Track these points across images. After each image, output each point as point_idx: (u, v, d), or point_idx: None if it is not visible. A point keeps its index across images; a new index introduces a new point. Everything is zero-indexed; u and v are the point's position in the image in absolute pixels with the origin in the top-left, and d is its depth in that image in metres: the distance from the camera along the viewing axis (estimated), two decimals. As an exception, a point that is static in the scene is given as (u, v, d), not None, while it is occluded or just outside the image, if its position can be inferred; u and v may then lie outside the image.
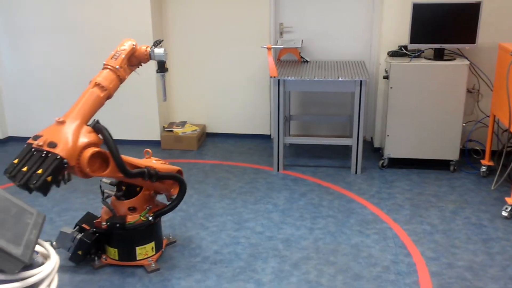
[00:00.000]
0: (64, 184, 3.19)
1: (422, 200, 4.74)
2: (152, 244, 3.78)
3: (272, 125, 6.38)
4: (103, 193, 3.72)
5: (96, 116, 3.40)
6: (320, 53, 6.15)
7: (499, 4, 5.32)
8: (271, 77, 5.11)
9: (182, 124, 6.37)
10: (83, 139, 3.20)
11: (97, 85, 3.42)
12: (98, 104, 3.41)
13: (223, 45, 6.21)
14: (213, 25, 6.15)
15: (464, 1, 5.04)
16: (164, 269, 3.72)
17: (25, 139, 6.37)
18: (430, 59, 5.22)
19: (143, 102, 6.14)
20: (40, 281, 2.16)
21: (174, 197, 3.86)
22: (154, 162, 3.68)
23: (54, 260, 2.29)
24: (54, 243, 3.75)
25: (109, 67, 3.50)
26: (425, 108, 5.17)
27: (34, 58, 6.20)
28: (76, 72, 6.14)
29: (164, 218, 4.40)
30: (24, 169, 3.03)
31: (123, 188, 3.75)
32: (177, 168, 3.80)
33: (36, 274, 2.15)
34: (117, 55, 3.55)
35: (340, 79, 5.03)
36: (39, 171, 2.99)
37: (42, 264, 2.23)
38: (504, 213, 4.41)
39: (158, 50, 3.69)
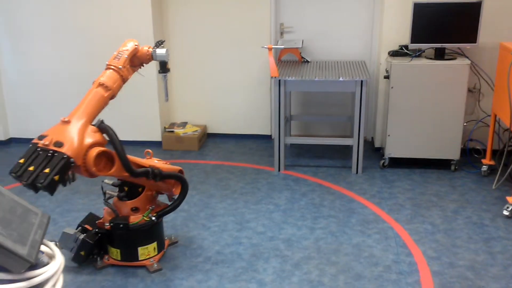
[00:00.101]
0: (69, 184, 3.20)
1: (423, 200, 4.75)
2: (154, 244, 3.79)
3: (273, 125, 6.39)
4: (105, 194, 3.73)
5: (97, 117, 3.42)
6: (321, 53, 6.16)
7: (500, 3, 5.33)
8: (272, 77, 5.12)
9: (183, 124, 6.38)
10: (89, 139, 3.21)
11: (101, 85, 3.43)
12: (103, 104, 3.43)
13: (224, 46, 6.22)
14: (214, 25, 6.15)
15: (465, 1, 5.04)
16: (166, 269, 3.73)
17: (27, 140, 6.43)
18: (431, 58, 5.22)
19: (144, 102, 6.15)
20: (46, 281, 2.17)
21: (175, 197, 3.87)
22: (156, 162, 3.70)
23: (59, 260, 2.30)
24: (57, 243, 3.75)
25: (112, 67, 3.52)
26: (426, 107, 5.18)
27: (35, 60, 6.21)
28: (78, 73, 6.15)
29: (166, 219, 4.41)
30: (31, 168, 3.05)
31: (126, 189, 3.76)
32: (178, 168, 3.81)
33: (41, 274, 2.16)
34: (120, 55, 3.57)
35: (340, 79, 5.04)
36: (46, 170, 3.00)
37: (47, 264, 2.24)
38: (506, 212, 4.41)
39: (160, 51, 3.70)
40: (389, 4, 5.52)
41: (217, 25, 6.15)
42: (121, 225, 3.61)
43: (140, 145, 6.19)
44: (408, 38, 5.29)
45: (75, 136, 3.16)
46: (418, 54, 5.31)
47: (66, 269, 3.72)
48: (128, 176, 3.41)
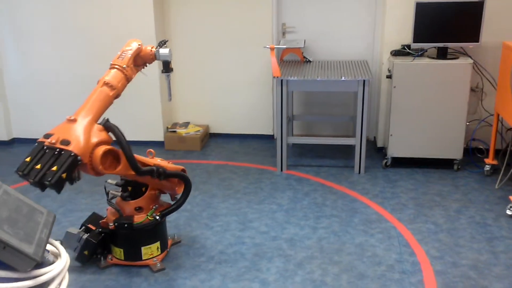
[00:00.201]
0: (75, 182, 3.22)
1: (426, 199, 4.75)
2: (158, 244, 3.79)
3: (275, 125, 6.39)
4: (108, 194, 3.74)
5: (102, 116, 3.43)
6: (323, 53, 6.16)
7: (503, 3, 5.33)
8: (274, 77, 5.12)
9: (186, 124, 6.39)
10: (95, 137, 3.23)
11: (106, 84, 3.44)
12: (108, 103, 3.44)
13: (226, 46, 6.22)
14: (216, 25, 6.16)
15: (467, 0, 5.04)
16: (169, 269, 3.73)
17: (29, 140, 6.44)
18: (433, 58, 5.22)
19: (147, 103, 6.16)
20: (51, 280, 2.18)
21: (178, 196, 3.88)
22: (160, 161, 3.71)
23: (64, 258, 2.31)
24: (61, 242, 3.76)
25: (116, 66, 3.53)
26: (428, 107, 5.18)
27: (38, 60, 6.22)
28: (80, 73, 6.16)
29: (169, 218, 4.41)
30: (37, 166, 3.06)
31: (129, 188, 3.77)
32: (181, 167, 3.82)
33: (47, 273, 2.16)
34: (124, 54, 3.58)
35: (343, 78, 5.04)
36: (54, 168, 3.02)
37: (53, 262, 2.25)
38: (509, 212, 4.41)
39: (163, 50, 3.71)
40: (391, 3, 5.52)
41: (219, 25, 6.16)
42: (126, 225, 3.62)
43: (143, 145, 6.19)
44: (411, 38, 5.29)
45: (82, 135, 3.18)
46: (420, 53, 5.31)
47: (70, 269, 3.72)
48: (133, 174, 3.42)
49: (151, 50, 3.71)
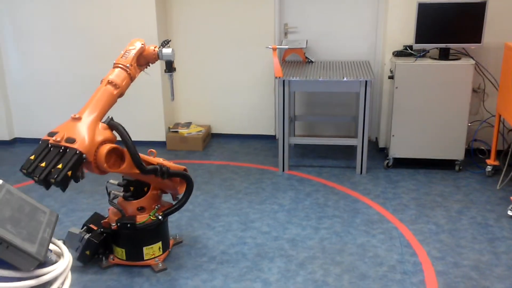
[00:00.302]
0: (80, 180, 3.22)
1: (428, 200, 4.75)
2: (159, 244, 3.80)
3: (277, 126, 6.40)
4: (109, 194, 3.74)
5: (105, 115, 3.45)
6: (325, 53, 6.16)
7: (505, 3, 5.33)
8: (276, 77, 5.12)
9: (187, 125, 6.39)
10: (100, 135, 3.24)
11: (110, 82, 3.45)
12: (112, 102, 3.46)
13: (228, 46, 6.23)
14: (218, 25, 6.17)
15: (469, 1, 5.04)
16: (171, 269, 3.74)
17: (31, 140, 6.45)
18: (435, 58, 5.23)
19: (148, 103, 6.17)
20: (54, 279, 2.18)
21: (180, 196, 3.89)
22: (162, 161, 3.71)
23: (67, 258, 2.31)
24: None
25: (120, 65, 3.54)
26: (430, 108, 5.18)
27: (39, 60, 6.23)
28: (81, 73, 6.16)
29: (170, 219, 4.42)
30: (42, 164, 3.07)
31: (131, 188, 3.77)
32: (182, 167, 3.82)
33: (50, 272, 2.16)
34: (127, 54, 3.59)
35: (345, 79, 5.04)
36: (59, 166, 3.03)
37: (56, 262, 2.25)
38: (510, 213, 4.41)
39: (166, 50, 3.73)
40: (393, 4, 5.53)
41: (221, 25, 6.16)
42: (128, 225, 3.62)
43: (145, 145, 6.19)
44: (413, 38, 5.29)
45: (87, 133, 3.19)
46: (422, 54, 5.31)
47: (72, 269, 3.72)
48: (137, 173, 3.43)
49: (154, 50, 3.72)
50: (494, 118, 5.31)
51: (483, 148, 5.71)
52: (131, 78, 3.58)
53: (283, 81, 5.16)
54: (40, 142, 3.21)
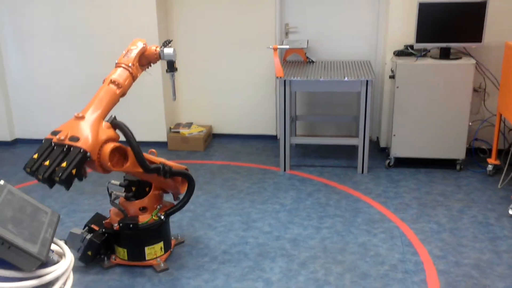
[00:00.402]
0: (84, 178, 3.23)
1: (429, 199, 4.75)
2: (161, 244, 3.80)
3: (278, 126, 6.40)
4: (110, 195, 3.74)
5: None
6: (326, 53, 6.17)
7: (506, 3, 5.33)
8: (277, 77, 5.13)
9: (189, 125, 6.40)
10: (103, 134, 3.25)
11: (112, 82, 3.45)
12: (114, 101, 3.46)
13: (229, 46, 6.23)
14: (219, 26, 6.17)
15: (470, 0, 5.04)
16: (173, 269, 3.74)
17: (32, 140, 6.46)
18: (436, 58, 5.23)
19: (150, 103, 6.17)
20: (56, 279, 2.19)
21: (181, 196, 3.90)
22: (164, 160, 3.72)
23: (69, 258, 2.32)
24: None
25: (122, 65, 3.54)
26: (431, 107, 5.18)
27: (40, 61, 6.24)
28: (83, 74, 6.17)
29: (172, 219, 4.43)
30: (46, 163, 3.07)
31: (133, 189, 3.78)
32: (184, 166, 3.83)
33: (52, 272, 2.18)
34: (129, 53, 3.60)
35: (346, 79, 5.05)
36: (63, 164, 3.03)
37: (58, 262, 2.26)
38: (511, 212, 4.42)
39: (168, 50, 3.73)
40: (394, 4, 5.53)
41: (222, 25, 6.17)
42: (131, 225, 3.63)
43: (146, 146, 6.19)
44: (413, 38, 5.29)
45: (90, 131, 3.19)
46: (423, 54, 5.31)
47: (73, 269, 3.73)
48: (140, 172, 3.43)
49: (155, 50, 3.73)
50: (495, 118, 5.31)
51: (484, 147, 5.71)
52: (133, 78, 3.59)
53: (284, 81, 5.16)
54: (43, 141, 3.22)
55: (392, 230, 4.22)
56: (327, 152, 6.03)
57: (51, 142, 3.18)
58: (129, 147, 3.35)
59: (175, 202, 3.90)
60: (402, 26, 5.57)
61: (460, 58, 5.19)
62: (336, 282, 3.54)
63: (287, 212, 4.57)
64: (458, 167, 5.35)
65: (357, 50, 6.11)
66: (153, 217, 3.68)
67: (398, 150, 5.38)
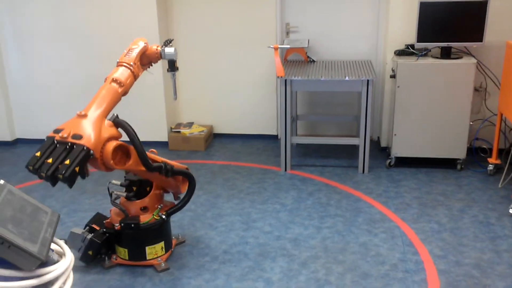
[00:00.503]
0: (86, 176, 3.23)
1: (430, 199, 4.75)
2: (162, 244, 3.80)
3: (279, 125, 6.40)
4: (111, 195, 3.74)
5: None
6: (327, 53, 6.17)
7: (506, 2, 5.32)
8: (278, 77, 5.13)
9: (189, 125, 6.40)
10: (106, 132, 3.25)
11: (114, 80, 3.45)
12: (116, 99, 3.46)
13: (230, 46, 6.23)
14: (219, 25, 6.17)
15: None
16: (173, 269, 3.75)
17: (33, 140, 6.46)
18: (437, 57, 5.22)
19: (150, 103, 6.17)
20: (56, 278, 2.19)
21: (181, 195, 3.90)
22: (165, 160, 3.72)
23: (69, 257, 2.32)
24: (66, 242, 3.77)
25: (124, 64, 3.54)
26: (432, 107, 5.18)
27: (40, 61, 6.24)
28: (83, 74, 6.17)
29: (173, 218, 4.42)
30: (49, 161, 3.07)
31: (134, 188, 3.78)
32: (184, 166, 3.83)
33: (52, 271, 2.18)
34: (130, 52, 3.60)
35: (347, 78, 5.04)
36: (67, 162, 3.03)
37: (58, 261, 2.26)
38: (511, 211, 4.43)
39: (169, 49, 3.74)
40: (395, 3, 5.53)
41: (222, 24, 6.17)
42: (132, 225, 3.63)
43: (147, 146, 6.15)
44: (414, 37, 5.29)
45: (93, 129, 3.20)
46: (424, 53, 5.30)
47: (74, 269, 3.72)
48: (142, 170, 3.44)
49: (156, 49, 3.73)
50: (496, 117, 5.31)
51: (484, 147, 5.71)
52: (135, 77, 3.59)
53: (285, 80, 5.16)
54: (46, 138, 3.21)
55: (393, 229, 4.22)
56: (328, 151, 6.03)
57: (54, 140, 3.18)
58: (131, 145, 3.35)
59: (176, 202, 3.90)
60: (403, 25, 5.57)
61: (461, 57, 5.19)
62: (337, 282, 3.54)
63: (288, 212, 4.57)
64: (458, 166, 5.35)
65: (358, 50, 6.11)
66: (155, 216, 3.68)
67: (399, 149, 5.38)
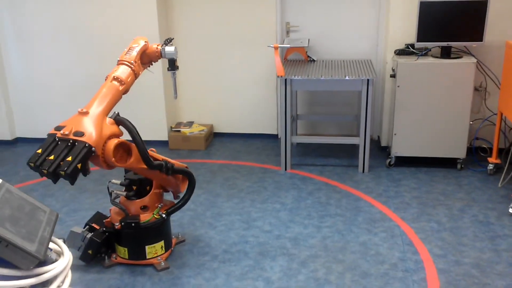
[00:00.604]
0: (88, 174, 3.23)
1: (430, 198, 4.75)
2: (162, 243, 3.80)
3: (279, 125, 6.40)
4: (111, 194, 3.74)
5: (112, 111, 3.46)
6: (327, 52, 6.16)
7: (507, 2, 5.32)
8: (278, 76, 5.13)
9: (190, 124, 6.40)
10: (107, 130, 3.26)
11: (115, 79, 3.46)
12: (117, 97, 3.47)
13: (230, 45, 6.23)
14: (220, 24, 6.17)
15: (470, -1, 5.05)
16: (173, 268, 3.75)
17: (33, 140, 6.46)
18: (437, 57, 5.22)
19: (150, 102, 6.17)
20: (54, 277, 2.19)
21: (181, 194, 3.90)
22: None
23: (67, 256, 2.32)
24: (65, 241, 3.77)
25: (125, 62, 3.55)
26: (432, 106, 5.18)
27: (40, 60, 6.24)
28: (83, 74, 6.17)
29: (173, 217, 4.43)
30: (51, 157, 3.08)
31: (134, 188, 3.78)
32: (184, 165, 3.83)
33: (50, 270, 2.18)
34: (131, 51, 3.61)
35: (347, 78, 5.04)
36: (69, 158, 3.03)
37: (56, 260, 2.26)
38: (511, 210, 4.41)
39: (169, 48, 3.74)
40: (395, 3, 5.52)
41: (223, 24, 6.16)
42: (133, 224, 3.63)
43: (147, 145, 6.16)
44: (414, 37, 5.28)
45: (95, 127, 3.20)
46: (424, 52, 5.30)
47: (74, 268, 3.74)
48: (143, 168, 3.44)
49: (157, 48, 3.74)
50: (496, 117, 5.30)
51: (484, 146, 5.70)
52: (136, 75, 3.60)
53: (285, 80, 5.16)
54: (47, 135, 3.22)
55: (393, 229, 4.22)
56: (328, 151, 6.03)
57: (55, 137, 3.18)
58: (132, 143, 3.36)
59: (176, 201, 3.90)
60: (403, 25, 5.57)
61: (461, 57, 5.19)
62: (337, 281, 3.54)
63: (288, 211, 4.57)
64: (458, 166, 5.35)
65: (358, 49, 6.11)
66: (155, 215, 3.69)
67: (399, 149, 5.38)
